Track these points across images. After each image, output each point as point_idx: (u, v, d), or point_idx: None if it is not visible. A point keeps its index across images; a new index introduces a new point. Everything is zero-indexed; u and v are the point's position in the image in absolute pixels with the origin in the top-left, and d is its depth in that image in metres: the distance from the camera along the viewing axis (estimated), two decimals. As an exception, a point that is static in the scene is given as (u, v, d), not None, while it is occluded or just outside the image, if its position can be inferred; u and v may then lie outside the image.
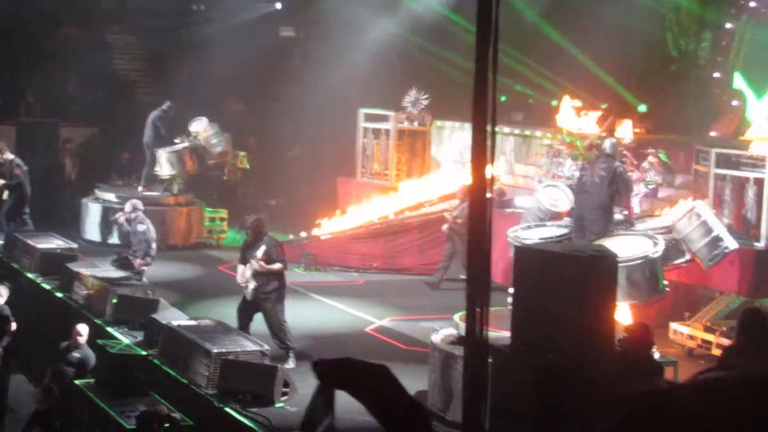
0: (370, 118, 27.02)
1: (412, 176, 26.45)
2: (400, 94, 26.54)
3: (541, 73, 27.28)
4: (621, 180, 16.74)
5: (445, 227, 21.93)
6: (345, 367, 3.44)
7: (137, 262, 19.29)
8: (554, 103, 28.00)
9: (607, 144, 17.42)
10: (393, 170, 26.34)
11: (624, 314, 14.45)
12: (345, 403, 3.40)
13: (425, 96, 26.16)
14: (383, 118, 26.75)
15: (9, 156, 23.00)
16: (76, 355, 15.42)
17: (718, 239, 15.54)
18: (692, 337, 17.07)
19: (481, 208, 9.14)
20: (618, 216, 16.97)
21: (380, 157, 26.71)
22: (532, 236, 16.46)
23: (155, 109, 25.88)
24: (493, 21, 8.38)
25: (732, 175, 18.10)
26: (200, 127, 26.29)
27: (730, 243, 15.66)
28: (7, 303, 17.42)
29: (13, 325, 17.13)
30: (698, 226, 15.55)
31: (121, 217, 20.23)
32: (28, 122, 28.66)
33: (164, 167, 25.70)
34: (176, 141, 25.83)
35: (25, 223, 23.01)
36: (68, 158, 27.85)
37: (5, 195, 22.92)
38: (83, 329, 15.62)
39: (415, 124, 26.67)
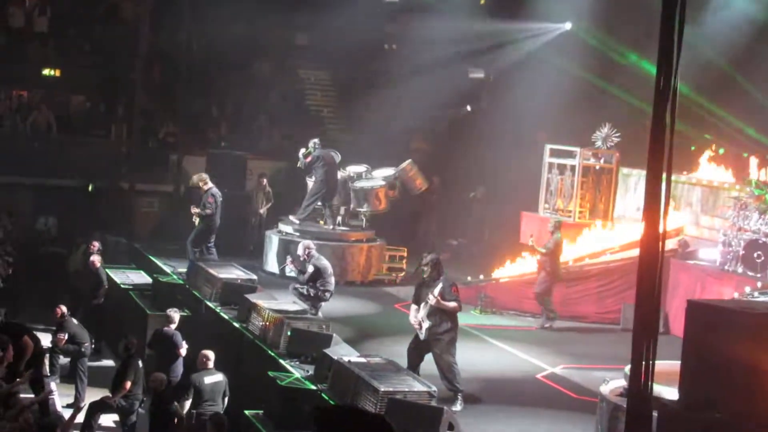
0: (555, 153, 26.83)
1: (595, 214, 26.13)
2: (587, 133, 26.27)
3: (731, 123, 26.73)
4: None
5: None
6: (344, 416, 3.37)
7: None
8: (745, 154, 27.45)
9: None
10: (576, 207, 26.07)
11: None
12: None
13: (617, 133, 25.84)
14: (569, 154, 26.52)
15: (208, 185, 23.52)
16: (207, 379, 15.73)
17: None
18: None
19: (653, 258, 8.96)
20: None
21: (564, 193, 26.46)
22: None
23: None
24: (674, 65, 8.24)
25: None
26: (404, 165, 26.61)
27: None
28: (178, 329, 17.79)
29: (183, 351, 17.47)
30: None
31: (289, 264, 20.54)
32: (218, 153, 29.28)
33: (354, 201, 26.08)
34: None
35: (210, 252, 23.48)
36: (259, 191, 28.33)
37: (196, 222, 23.44)
38: (211, 354, 16.00)
39: (602, 161, 26.35)
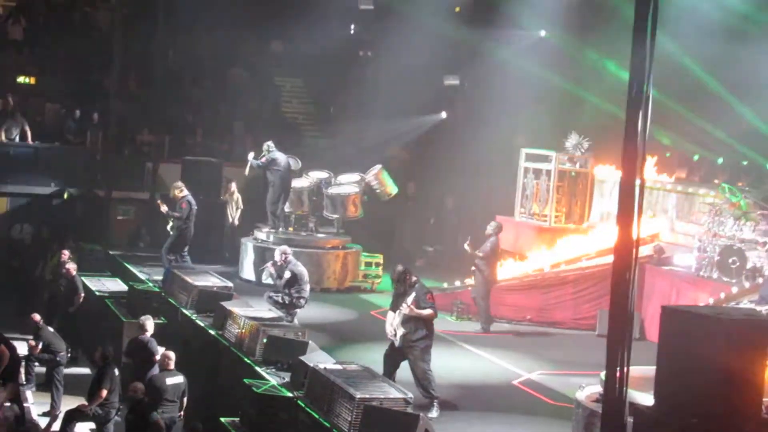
0: (531, 158, 26.86)
1: (571, 218, 26.18)
2: (562, 137, 26.34)
3: (705, 129, 26.86)
4: None
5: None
6: None
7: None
8: (720, 160, 27.61)
9: None
10: (552, 211, 26.11)
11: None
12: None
13: (586, 140, 25.90)
14: (544, 158, 26.57)
15: (183, 193, 23.49)
16: (169, 380, 15.98)
17: None
18: None
19: (627, 264, 9.02)
20: None
21: (540, 197, 26.51)
22: None
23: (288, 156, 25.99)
24: (646, 72, 8.28)
25: None
26: (375, 170, 26.65)
27: None
28: (153, 336, 17.77)
29: (158, 357, 17.43)
30: None
31: (270, 267, 20.48)
32: (193, 161, 29.23)
33: (328, 208, 26.11)
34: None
35: (184, 260, 23.46)
36: (230, 198, 28.30)
37: (169, 226, 23.42)
38: (172, 355, 16.26)
39: (577, 165, 26.41)
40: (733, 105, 25.68)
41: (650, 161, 26.07)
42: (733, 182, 23.77)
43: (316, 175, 26.65)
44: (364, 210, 26.42)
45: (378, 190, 26.75)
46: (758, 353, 10.59)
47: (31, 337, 19.12)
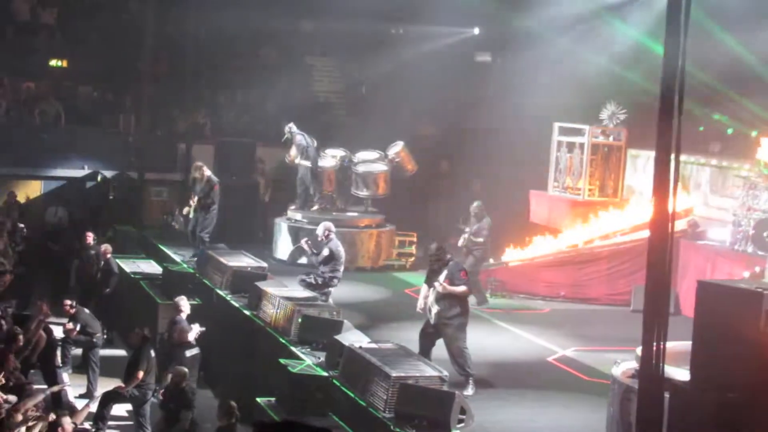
0: (564, 131, 26.85)
1: (604, 192, 26.11)
2: (596, 111, 26.23)
3: (740, 103, 26.61)
4: None
5: (461, 243, 21.97)
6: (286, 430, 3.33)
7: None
8: (754, 133, 27.36)
9: None
10: (586, 185, 26.06)
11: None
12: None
13: (623, 110, 25.80)
14: (578, 132, 26.50)
15: (207, 173, 23.10)
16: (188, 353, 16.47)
17: None
18: None
19: (663, 239, 8.96)
20: None
21: (573, 171, 26.45)
22: None
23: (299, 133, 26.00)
24: (681, 45, 8.22)
25: None
26: (396, 149, 26.65)
27: None
28: (189, 317, 17.83)
29: (191, 336, 17.48)
30: None
31: (304, 244, 20.46)
32: (227, 141, 29.27)
33: (358, 186, 26.12)
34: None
35: (204, 242, 23.05)
36: (261, 178, 28.30)
37: (190, 213, 23.09)
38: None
39: (611, 138, 26.32)
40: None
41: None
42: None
43: (332, 152, 26.66)
44: (389, 189, 26.44)
45: (401, 169, 26.75)
46: (795, 327, 10.54)
47: (66, 319, 19.19)
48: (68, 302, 19.14)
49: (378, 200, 26.78)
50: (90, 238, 22.55)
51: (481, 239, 22.19)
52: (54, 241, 25.80)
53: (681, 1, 7.83)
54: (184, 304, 17.90)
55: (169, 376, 16.01)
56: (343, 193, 26.59)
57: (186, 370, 15.71)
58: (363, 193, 26.35)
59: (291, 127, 25.91)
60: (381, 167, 26.41)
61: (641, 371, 8.41)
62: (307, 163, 25.82)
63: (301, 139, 25.79)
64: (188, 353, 16.80)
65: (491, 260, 24.50)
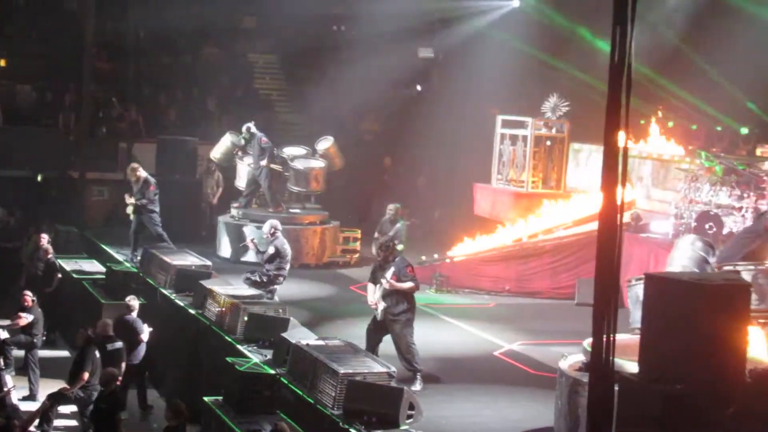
0: (507, 124, 26.96)
1: (548, 184, 26.24)
2: (538, 106, 26.35)
3: (680, 96, 26.87)
4: None
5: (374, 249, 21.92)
6: None
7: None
8: (694, 127, 27.63)
9: None
10: (529, 177, 26.18)
11: (761, 342, 14.08)
12: None
13: (565, 102, 25.92)
14: (521, 125, 26.61)
15: (143, 173, 22.84)
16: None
17: None
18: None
19: (611, 232, 8.97)
20: None
21: (516, 164, 26.56)
22: None
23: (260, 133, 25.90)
24: (628, 44, 8.25)
25: None
26: (327, 145, 26.61)
27: None
28: (138, 316, 17.73)
29: (144, 336, 17.41)
30: None
31: (249, 243, 20.39)
32: (168, 139, 29.06)
33: (291, 181, 26.03)
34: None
35: (164, 238, 22.93)
36: (210, 177, 28.14)
37: (131, 214, 22.87)
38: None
39: (553, 131, 26.46)
40: (708, 72, 25.69)
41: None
42: (707, 148, 23.81)
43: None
44: (324, 185, 26.45)
45: (330, 163, 26.71)
46: (739, 318, 10.62)
47: (5, 323, 18.99)
48: (29, 294, 19.00)
49: (321, 197, 26.74)
50: (44, 240, 22.28)
51: (401, 246, 21.98)
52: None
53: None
54: (135, 303, 17.78)
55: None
56: (279, 191, 26.45)
57: (116, 371, 15.53)
58: (296, 189, 26.24)
59: (250, 126, 25.82)
60: (319, 164, 26.37)
61: (591, 364, 8.42)
62: (278, 167, 25.74)
63: (267, 140, 25.70)
64: (110, 347, 16.59)
65: (436, 255, 24.53)
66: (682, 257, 15.31)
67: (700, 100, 26.38)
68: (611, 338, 8.55)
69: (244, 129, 25.91)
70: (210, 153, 26.87)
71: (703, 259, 15.33)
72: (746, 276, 13.72)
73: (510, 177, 26.77)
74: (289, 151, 26.60)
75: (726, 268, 14.64)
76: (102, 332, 16.79)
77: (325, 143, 26.87)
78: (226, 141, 26.43)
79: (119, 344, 16.70)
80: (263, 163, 25.53)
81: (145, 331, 17.45)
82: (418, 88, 34.08)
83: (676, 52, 26.44)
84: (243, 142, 25.94)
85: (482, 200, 27.47)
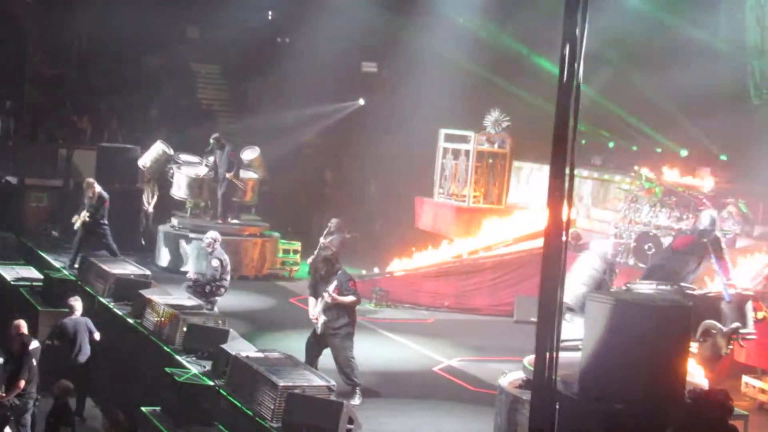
0: (450, 138, 27.10)
1: (489, 199, 26.37)
2: (481, 120, 26.47)
3: (622, 117, 27.13)
4: None
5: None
6: None
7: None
8: (635, 148, 27.89)
9: None
10: (471, 192, 26.30)
11: (699, 368, 14.22)
12: None
13: (506, 117, 26.07)
14: (463, 139, 26.74)
15: (98, 189, 22.84)
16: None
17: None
18: (764, 391, 16.85)
19: (557, 251, 9.04)
20: None
21: (459, 178, 26.68)
22: None
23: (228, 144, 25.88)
24: (578, 62, 8.31)
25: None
26: (253, 155, 26.58)
27: None
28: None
29: (96, 335, 17.27)
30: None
31: (192, 275, 20.32)
32: (108, 147, 28.88)
33: (182, 189, 25.94)
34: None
35: (114, 251, 22.82)
36: (147, 185, 27.97)
37: (76, 225, 22.77)
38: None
39: (495, 146, 26.59)
40: (648, 93, 25.94)
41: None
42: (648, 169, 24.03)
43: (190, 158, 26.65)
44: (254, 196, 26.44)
45: (257, 174, 26.73)
46: (681, 339, 10.73)
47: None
48: None
49: (261, 209, 26.71)
50: None
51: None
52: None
53: (577, 18, 7.92)
54: (78, 305, 17.58)
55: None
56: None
57: (69, 384, 15.34)
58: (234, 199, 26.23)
59: (219, 137, 25.82)
60: (253, 174, 26.37)
61: (534, 381, 8.46)
62: (239, 182, 25.73)
63: (236, 154, 25.71)
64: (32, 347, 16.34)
65: (376, 269, 24.56)
66: (582, 275, 15.29)
67: (641, 122, 26.64)
68: (554, 356, 8.60)
69: (212, 139, 25.86)
70: (139, 160, 26.66)
71: (602, 279, 15.41)
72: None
73: (452, 191, 26.90)
74: (184, 157, 26.57)
75: (641, 285, 14.58)
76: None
77: (252, 153, 26.81)
78: (158, 149, 26.35)
79: (36, 344, 16.09)
80: (229, 175, 25.50)
81: (96, 332, 17.31)
82: (361, 101, 34.09)
83: (619, 75, 26.67)
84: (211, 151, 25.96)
85: (424, 214, 27.56)
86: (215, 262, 19.59)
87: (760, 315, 14.70)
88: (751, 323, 13.92)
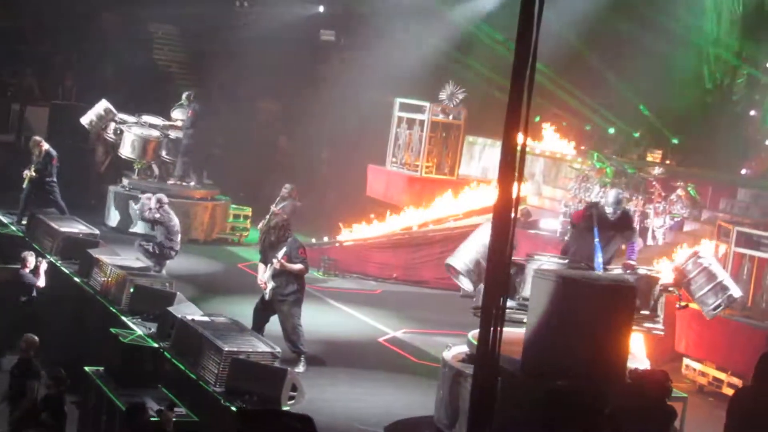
0: (405, 107, 27.10)
1: (441, 170, 26.41)
2: (437, 90, 26.48)
3: (577, 97, 27.22)
4: None
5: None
6: (269, 418, 3.36)
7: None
8: (588, 127, 28.02)
9: None
10: (423, 161, 26.35)
11: (641, 345, 14.35)
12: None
13: (461, 90, 26.09)
14: (419, 109, 26.76)
15: (45, 146, 22.62)
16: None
17: (722, 287, 13.94)
18: (704, 374, 17.03)
19: (505, 226, 9.08)
20: None
21: (412, 148, 26.71)
22: None
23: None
24: (533, 40, 8.34)
25: (752, 255, 17.41)
26: (183, 115, 26.37)
27: (735, 291, 14.09)
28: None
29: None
30: (701, 272, 14.31)
31: (138, 212, 20.14)
32: (61, 105, 28.67)
33: (126, 148, 25.75)
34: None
35: (63, 209, 22.66)
36: (101, 145, 27.75)
37: (25, 182, 22.60)
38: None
39: (450, 117, 26.63)
40: (604, 74, 26.06)
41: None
42: (599, 149, 24.18)
43: (151, 120, 26.44)
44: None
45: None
46: (624, 319, 10.84)
47: None
48: None
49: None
50: None
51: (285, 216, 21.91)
52: None
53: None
54: (32, 260, 17.46)
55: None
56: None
57: (35, 338, 15.23)
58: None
59: (191, 95, 25.71)
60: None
61: (477, 356, 8.52)
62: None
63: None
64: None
65: (326, 238, 24.57)
66: (476, 243, 15.12)
67: (595, 102, 26.77)
68: (498, 331, 8.65)
69: (184, 96, 25.74)
70: (82, 118, 26.25)
71: None
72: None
73: (405, 160, 26.94)
74: (146, 118, 26.37)
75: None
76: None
77: (181, 113, 26.56)
78: (101, 107, 26.02)
79: None
80: (190, 132, 25.40)
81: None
82: (318, 69, 33.97)
83: (571, 52, 26.73)
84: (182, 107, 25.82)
85: (375, 182, 27.58)
86: (165, 219, 19.38)
87: (683, 303, 14.59)
88: (660, 309, 13.56)
